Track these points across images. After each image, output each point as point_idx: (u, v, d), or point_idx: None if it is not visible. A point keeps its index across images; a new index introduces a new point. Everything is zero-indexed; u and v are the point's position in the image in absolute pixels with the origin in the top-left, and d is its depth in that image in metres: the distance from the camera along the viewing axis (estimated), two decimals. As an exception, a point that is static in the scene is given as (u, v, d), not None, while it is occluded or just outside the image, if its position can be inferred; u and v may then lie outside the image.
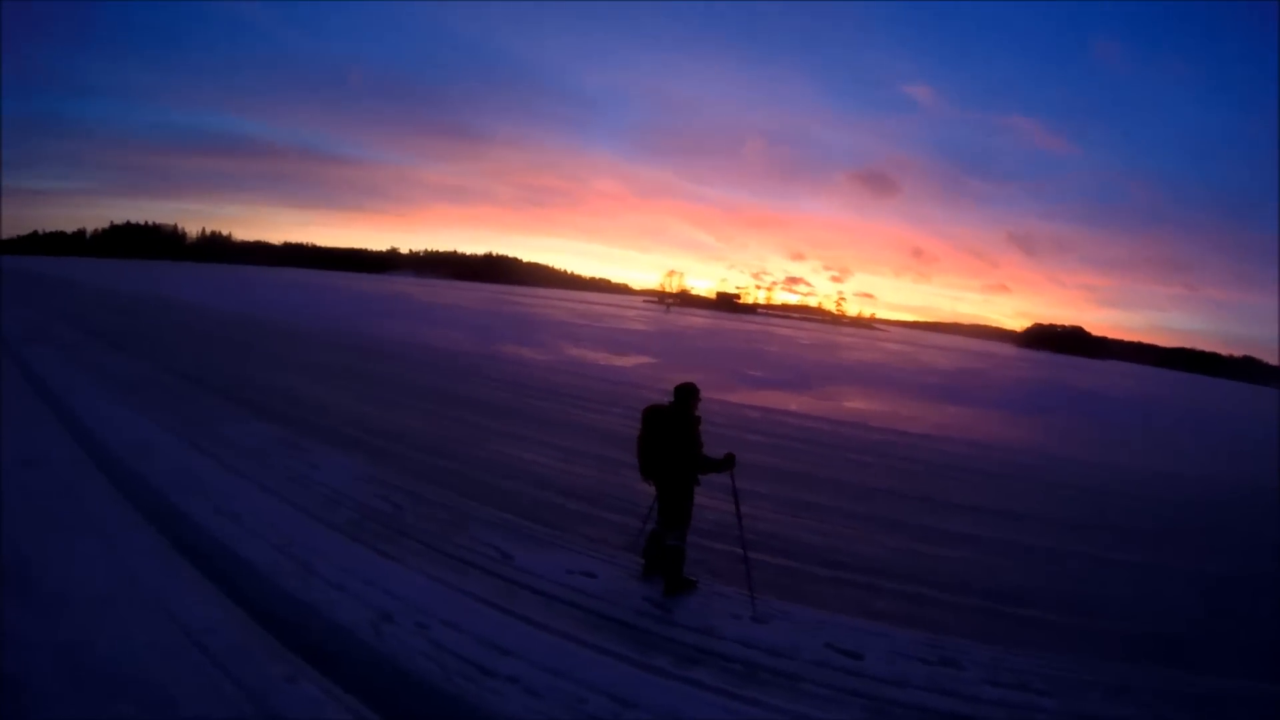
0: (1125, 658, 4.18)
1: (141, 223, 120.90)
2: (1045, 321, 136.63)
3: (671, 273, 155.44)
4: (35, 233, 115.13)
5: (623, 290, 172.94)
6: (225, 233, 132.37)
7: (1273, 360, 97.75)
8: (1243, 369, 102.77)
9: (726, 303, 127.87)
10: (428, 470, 6.80)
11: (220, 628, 3.58)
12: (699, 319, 66.52)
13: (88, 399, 8.58)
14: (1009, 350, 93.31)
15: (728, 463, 4.48)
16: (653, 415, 4.49)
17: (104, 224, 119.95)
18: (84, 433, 7.04)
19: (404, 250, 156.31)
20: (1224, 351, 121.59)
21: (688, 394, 4.51)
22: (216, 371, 11.49)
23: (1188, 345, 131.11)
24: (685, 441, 4.39)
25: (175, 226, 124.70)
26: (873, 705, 3.42)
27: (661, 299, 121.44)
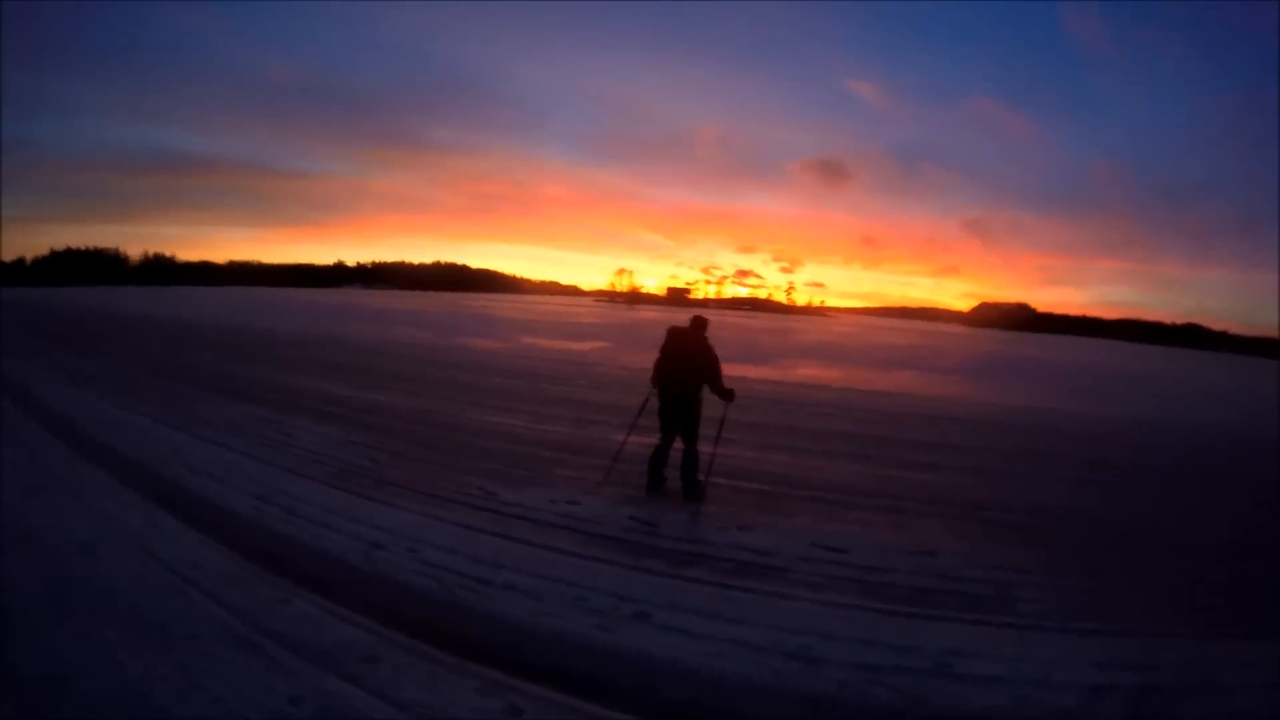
0: (1091, 551, 4.47)
1: (82, 248, 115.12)
2: (992, 300, 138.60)
3: (621, 271, 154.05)
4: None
5: (573, 292, 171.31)
6: (168, 254, 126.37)
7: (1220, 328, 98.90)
8: (1188, 336, 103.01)
9: (677, 298, 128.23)
10: (405, 434, 6.80)
11: (205, 564, 3.54)
12: (650, 313, 66.82)
13: (52, 389, 8.50)
14: (955, 329, 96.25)
15: (730, 394, 5.06)
16: (677, 332, 5.10)
17: (44, 250, 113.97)
18: (48, 414, 6.96)
19: (350, 263, 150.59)
20: (1167, 321, 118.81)
21: (703, 323, 5.16)
22: (182, 366, 11.24)
23: (1133, 317, 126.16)
24: (710, 359, 4.96)
25: (116, 250, 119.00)
26: (862, 586, 3.61)
27: (614, 299, 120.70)
